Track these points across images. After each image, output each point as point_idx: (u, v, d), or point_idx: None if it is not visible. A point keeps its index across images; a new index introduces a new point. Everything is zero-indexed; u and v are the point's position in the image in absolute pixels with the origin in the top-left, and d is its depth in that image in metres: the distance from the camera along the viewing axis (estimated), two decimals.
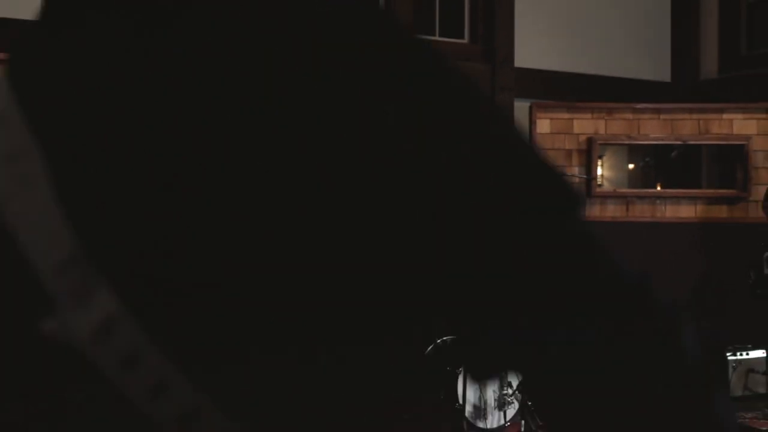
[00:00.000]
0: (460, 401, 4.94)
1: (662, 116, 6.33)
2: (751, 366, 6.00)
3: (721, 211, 6.39)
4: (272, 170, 0.54)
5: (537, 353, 0.59)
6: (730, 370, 5.92)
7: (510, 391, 5.09)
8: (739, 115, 6.23)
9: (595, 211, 6.38)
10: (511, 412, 5.14)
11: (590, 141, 6.27)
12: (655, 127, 6.33)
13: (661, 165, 6.92)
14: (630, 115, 6.33)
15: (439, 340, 5.27)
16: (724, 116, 6.25)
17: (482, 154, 0.57)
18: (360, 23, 0.58)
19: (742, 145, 6.21)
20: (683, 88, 7.28)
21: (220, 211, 0.55)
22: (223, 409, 0.55)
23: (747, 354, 5.99)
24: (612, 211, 6.41)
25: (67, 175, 0.57)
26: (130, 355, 0.55)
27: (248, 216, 0.55)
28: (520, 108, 6.26)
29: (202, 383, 0.55)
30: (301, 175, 0.54)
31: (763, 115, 6.22)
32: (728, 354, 5.90)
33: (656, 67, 7.36)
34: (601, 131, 6.35)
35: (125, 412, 0.55)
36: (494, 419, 5.10)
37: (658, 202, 6.41)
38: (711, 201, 6.41)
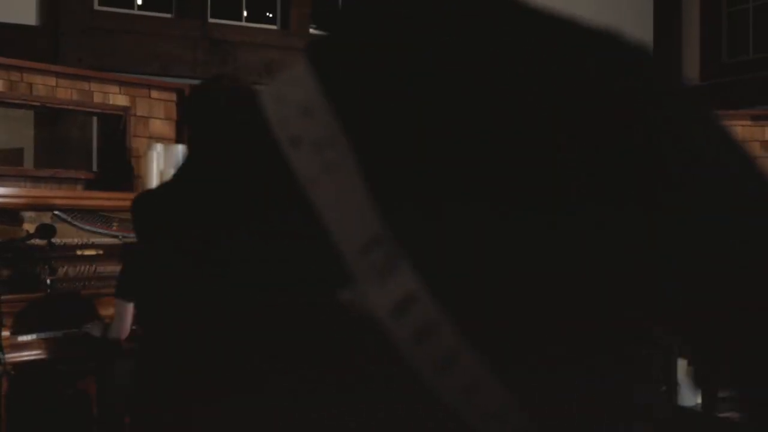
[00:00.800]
0: None
1: None
2: None
3: None
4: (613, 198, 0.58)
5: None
6: None
7: None
8: None
9: None
10: None
11: None
12: None
13: None
14: None
15: None
16: None
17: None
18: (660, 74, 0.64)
19: None
20: None
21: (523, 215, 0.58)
22: (511, 392, 0.60)
23: None
24: None
25: (373, 162, 0.61)
26: (423, 329, 0.59)
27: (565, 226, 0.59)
28: None
29: (485, 363, 0.59)
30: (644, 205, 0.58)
31: (746, 122, 6.35)
32: None
33: None
34: None
35: (408, 382, 0.59)
36: None
37: None
38: None
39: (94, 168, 4.93)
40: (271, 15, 6.33)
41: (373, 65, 0.64)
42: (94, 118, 4.90)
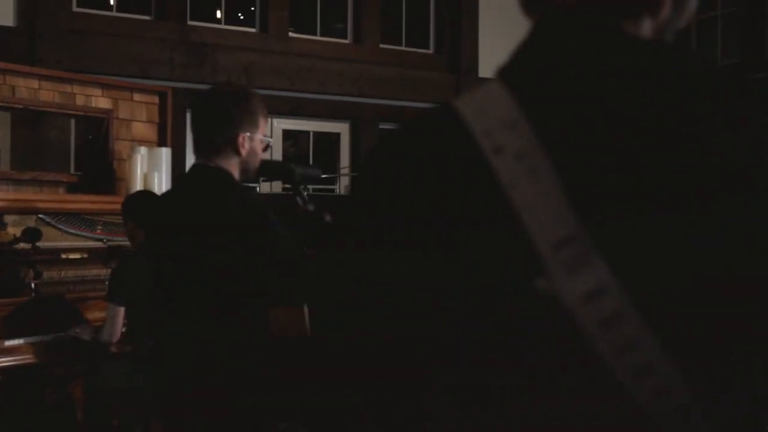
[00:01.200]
0: None
1: None
2: None
3: None
4: None
5: None
6: None
7: None
8: None
9: None
10: None
11: None
12: None
13: None
14: None
15: None
16: None
17: None
18: None
19: None
20: None
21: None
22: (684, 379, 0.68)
23: None
24: None
25: (570, 170, 0.71)
26: (609, 317, 0.68)
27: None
28: None
29: (662, 349, 0.68)
30: None
31: None
32: None
33: None
34: None
35: (588, 363, 0.68)
36: None
37: None
38: None
39: (72, 170, 4.90)
40: (249, 18, 6.34)
41: (568, 86, 0.76)
42: (72, 121, 4.86)
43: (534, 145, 0.72)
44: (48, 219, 4.24)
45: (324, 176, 4.66)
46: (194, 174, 2.47)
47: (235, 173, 2.45)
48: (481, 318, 0.72)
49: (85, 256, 4.33)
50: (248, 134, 2.45)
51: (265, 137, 2.56)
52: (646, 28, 0.80)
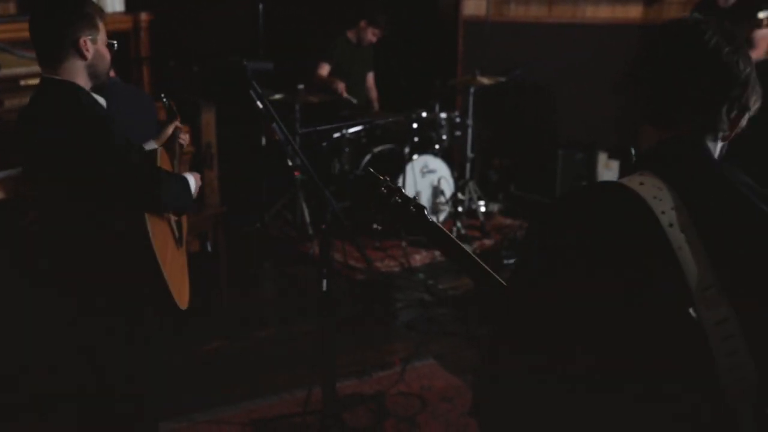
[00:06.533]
0: None
1: None
2: None
3: (637, 12, 6.65)
4: None
5: None
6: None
7: (443, 200, 5.53)
8: None
9: (519, 12, 6.54)
10: (443, 216, 5.62)
11: None
12: None
13: None
14: None
15: (376, 150, 5.57)
16: None
17: None
18: None
19: None
20: None
21: None
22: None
23: None
24: (535, 11, 6.58)
25: (708, 240, 1.25)
26: (727, 336, 1.22)
27: None
28: None
29: (752, 359, 1.23)
30: None
31: None
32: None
33: None
34: None
35: (707, 363, 1.23)
36: None
37: (579, 2, 6.59)
38: (628, 1, 6.63)
39: None
40: None
41: (696, 186, 1.31)
42: None
43: (690, 223, 1.26)
44: (3, 45, 4.20)
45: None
46: (41, 89, 2.47)
47: (82, 81, 2.46)
48: (645, 328, 1.23)
49: None
50: (90, 37, 2.45)
51: (110, 41, 2.55)
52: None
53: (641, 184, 1.30)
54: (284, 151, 2.72)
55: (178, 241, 2.76)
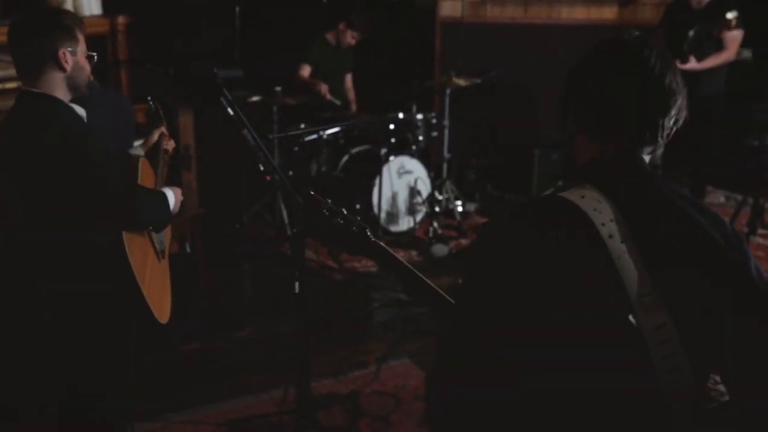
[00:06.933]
0: (375, 209, 5.41)
1: None
2: None
3: (612, 13, 6.73)
4: None
5: None
6: None
7: (420, 200, 5.59)
8: None
9: (495, 13, 6.60)
10: (419, 216, 5.68)
11: None
12: None
13: None
14: None
15: (353, 151, 5.62)
16: None
17: None
18: None
19: None
20: None
21: None
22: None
23: None
24: (511, 12, 6.65)
25: (643, 249, 1.32)
26: (664, 339, 1.29)
27: None
28: None
29: (689, 359, 1.31)
30: None
31: None
32: None
33: None
34: None
35: (645, 364, 1.30)
36: (405, 223, 5.63)
37: (555, 3, 6.66)
38: (603, 2, 6.71)
39: None
40: None
41: (631, 196, 1.37)
42: None
43: (628, 234, 1.33)
44: None
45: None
46: (19, 102, 2.46)
47: (61, 93, 2.46)
48: (584, 334, 1.30)
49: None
50: (69, 49, 2.44)
51: (90, 53, 2.55)
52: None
53: (582, 197, 1.36)
54: (256, 156, 2.75)
55: (160, 253, 2.75)
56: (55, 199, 2.38)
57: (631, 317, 1.30)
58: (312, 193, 1.81)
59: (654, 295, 1.31)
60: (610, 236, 1.32)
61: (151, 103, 3.05)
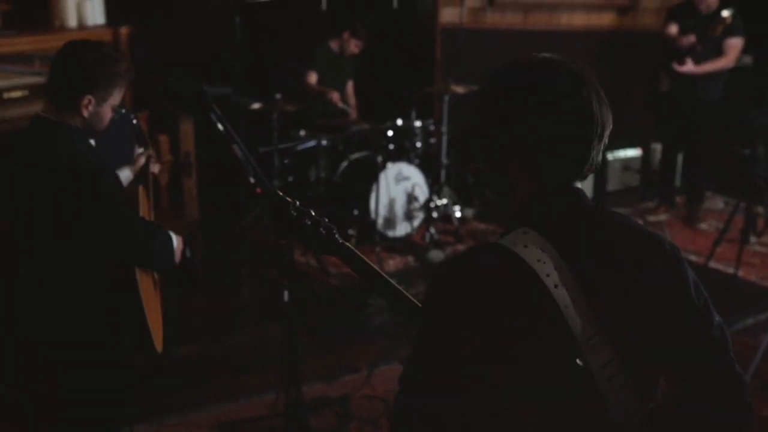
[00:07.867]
0: (372, 215, 5.50)
1: None
2: (626, 163, 6.75)
3: (612, 20, 6.79)
4: None
5: None
6: (609, 166, 6.64)
7: (417, 206, 5.67)
8: None
9: (495, 19, 6.67)
10: (417, 222, 5.75)
11: None
12: None
13: None
14: None
15: (352, 157, 5.70)
16: None
17: None
18: None
19: None
20: None
21: None
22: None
23: (624, 152, 6.71)
24: (510, 19, 6.72)
25: (589, 295, 1.36)
26: (613, 374, 1.36)
27: None
28: None
29: (633, 386, 1.38)
30: None
31: None
32: (607, 152, 6.52)
33: None
34: None
35: (596, 399, 1.38)
36: (402, 228, 5.72)
37: (555, 10, 6.72)
38: (603, 9, 6.76)
39: None
40: None
41: (574, 240, 1.39)
42: None
43: (572, 280, 1.35)
44: None
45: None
46: (32, 129, 2.46)
47: (75, 124, 2.43)
48: (536, 377, 1.35)
49: (27, 93, 4.45)
50: (97, 97, 2.41)
51: (119, 109, 2.54)
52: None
53: (525, 246, 1.36)
54: (246, 169, 2.84)
55: (156, 283, 2.80)
56: (67, 232, 2.39)
57: (578, 360, 1.34)
58: (280, 194, 1.83)
59: (599, 336, 1.35)
60: (556, 286, 1.34)
61: (134, 122, 2.96)
